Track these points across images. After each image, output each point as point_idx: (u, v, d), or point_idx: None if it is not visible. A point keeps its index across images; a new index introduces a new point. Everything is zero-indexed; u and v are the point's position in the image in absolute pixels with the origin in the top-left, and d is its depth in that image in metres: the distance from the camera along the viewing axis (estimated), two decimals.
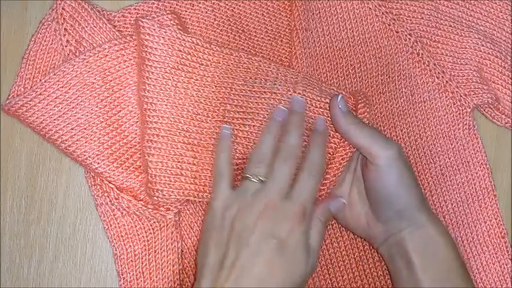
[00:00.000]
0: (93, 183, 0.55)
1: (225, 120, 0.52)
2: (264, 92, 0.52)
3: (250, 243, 0.46)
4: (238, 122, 0.52)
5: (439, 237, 0.49)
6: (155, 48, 0.51)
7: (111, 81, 0.53)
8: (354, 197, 0.53)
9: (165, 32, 0.51)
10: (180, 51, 0.51)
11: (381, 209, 0.51)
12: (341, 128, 0.51)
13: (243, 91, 0.52)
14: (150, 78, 0.51)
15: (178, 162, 0.51)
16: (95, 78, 0.53)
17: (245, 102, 0.52)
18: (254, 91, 0.52)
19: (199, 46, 0.52)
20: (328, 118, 0.52)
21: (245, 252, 0.46)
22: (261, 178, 0.48)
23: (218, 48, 0.52)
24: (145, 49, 0.51)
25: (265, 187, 0.48)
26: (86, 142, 0.52)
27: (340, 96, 0.51)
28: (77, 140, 0.53)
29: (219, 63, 0.52)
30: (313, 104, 0.52)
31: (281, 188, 0.48)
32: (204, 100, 0.52)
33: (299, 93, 0.52)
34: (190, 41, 0.52)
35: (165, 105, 0.51)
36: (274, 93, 0.52)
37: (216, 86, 0.52)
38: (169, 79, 0.51)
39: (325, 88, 0.53)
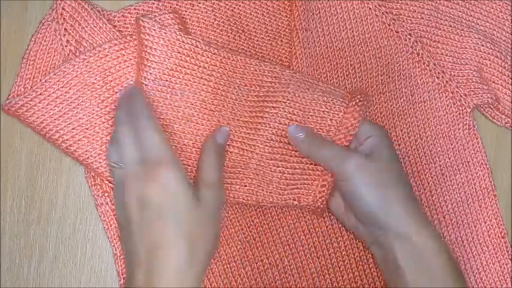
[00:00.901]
0: (93, 183, 0.55)
1: (219, 124, 0.52)
2: (258, 101, 0.52)
3: None
4: (233, 127, 0.52)
5: (427, 244, 0.48)
6: (154, 49, 0.51)
7: (111, 81, 0.53)
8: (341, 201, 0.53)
9: (165, 33, 0.51)
10: (179, 53, 0.51)
11: (359, 218, 0.51)
12: (304, 155, 0.52)
13: (238, 99, 0.53)
14: (148, 78, 0.51)
15: None
16: (95, 78, 0.53)
17: (239, 109, 0.52)
18: (248, 100, 0.53)
19: (199, 49, 0.52)
20: (328, 122, 0.52)
21: None
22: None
23: (216, 51, 0.52)
24: (145, 49, 0.51)
25: None
26: (87, 142, 0.52)
27: (293, 127, 0.52)
28: (78, 140, 0.53)
29: (216, 66, 0.52)
30: (310, 109, 0.52)
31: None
32: (200, 103, 0.52)
33: (293, 101, 0.52)
34: (190, 43, 0.51)
35: (161, 106, 0.51)
36: (269, 101, 0.52)
37: (212, 90, 0.52)
38: (167, 80, 0.51)
39: (325, 88, 0.53)
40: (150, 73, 0.51)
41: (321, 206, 0.52)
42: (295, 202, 0.52)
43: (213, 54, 0.52)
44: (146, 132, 0.47)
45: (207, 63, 0.52)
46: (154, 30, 0.51)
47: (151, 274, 0.45)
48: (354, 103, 0.51)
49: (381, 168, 0.50)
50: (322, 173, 0.51)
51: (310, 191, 0.52)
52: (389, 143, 0.52)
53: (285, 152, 0.52)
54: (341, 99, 0.52)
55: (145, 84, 0.51)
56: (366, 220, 0.51)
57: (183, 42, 0.51)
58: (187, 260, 0.46)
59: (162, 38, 0.51)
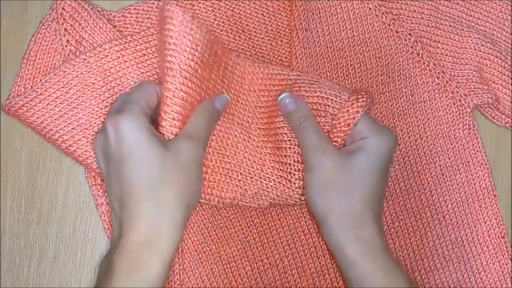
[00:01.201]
0: (93, 183, 0.55)
1: (229, 129, 0.52)
2: (267, 106, 0.53)
3: None
4: (243, 132, 0.52)
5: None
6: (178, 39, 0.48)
7: (111, 81, 0.53)
8: None
9: (191, 25, 0.48)
10: (203, 48, 0.49)
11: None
12: (290, 126, 0.52)
13: (248, 104, 0.53)
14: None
15: None
16: (95, 79, 0.53)
17: (249, 115, 0.53)
18: (258, 106, 0.54)
19: (217, 49, 0.51)
20: (328, 116, 0.51)
21: None
22: None
23: (229, 56, 0.52)
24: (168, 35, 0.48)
25: None
26: (86, 142, 0.52)
27: (285, 95, 0.52)
28: (78, 140, 0.53)
29: (228, 70, 0.52)
30: (313, 103, 0.52)
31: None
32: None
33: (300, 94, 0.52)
34: (211, 40, 0.50)
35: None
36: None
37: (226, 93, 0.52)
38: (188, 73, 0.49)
39: (330, 85, 0.53)
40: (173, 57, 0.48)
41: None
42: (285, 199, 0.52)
43: (227, 58, 0.52)
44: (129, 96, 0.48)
45: (222, 66, 0.52)
46: (181, 19, 0.48)
47: (124, 228, 0.44)
48: (352, 100, 0.50)
49: (346, 175, 0.48)
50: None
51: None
52: (383, 154, 0.49)
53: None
54: (343, 95, 0.51)
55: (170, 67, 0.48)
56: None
57: (207, 38, 0.49)
58: (157, 212, 0.44)
59: (188, 29, 0.48)
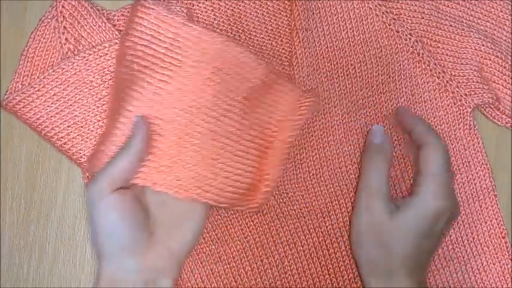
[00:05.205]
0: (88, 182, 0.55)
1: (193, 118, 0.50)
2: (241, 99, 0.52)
3: None
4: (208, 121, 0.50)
5: None
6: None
7: (109, 80, 0.53)
8: None
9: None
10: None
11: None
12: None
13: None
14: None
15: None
16: (93, 77, 0.52)
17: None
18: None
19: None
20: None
21: None
22: None
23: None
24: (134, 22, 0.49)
25: None
26: (81, 140, 0.52)
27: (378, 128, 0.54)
28: (73, 138, 0.52)
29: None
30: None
31: None
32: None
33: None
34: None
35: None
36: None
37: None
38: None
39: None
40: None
41: (258, 206, 0.52)
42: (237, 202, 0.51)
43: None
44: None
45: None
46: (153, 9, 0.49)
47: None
48: (300, 103, 0.52)
49: (390, 229, 0.50)
50: (264, 177, 0.51)
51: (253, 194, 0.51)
52: (431, 216, 0.50)
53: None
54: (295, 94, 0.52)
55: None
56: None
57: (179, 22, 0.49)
58: (116, 272, 0.47)
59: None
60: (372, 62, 0.58)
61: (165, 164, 0.49)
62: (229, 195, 0.50)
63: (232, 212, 0.55)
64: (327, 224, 0.56)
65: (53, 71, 0.52)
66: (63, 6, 0.53)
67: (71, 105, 0.52)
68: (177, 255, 0.49)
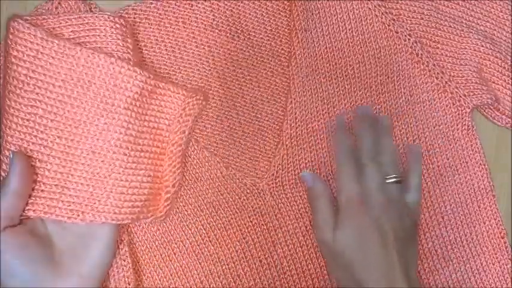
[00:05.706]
0: None
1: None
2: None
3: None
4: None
5: None
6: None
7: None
8: None
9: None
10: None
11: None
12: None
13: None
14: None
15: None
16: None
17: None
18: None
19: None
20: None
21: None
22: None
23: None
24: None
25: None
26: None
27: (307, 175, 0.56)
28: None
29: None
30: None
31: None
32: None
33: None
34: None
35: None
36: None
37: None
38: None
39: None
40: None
41: (163, 215, 0.51)
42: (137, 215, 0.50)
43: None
44: None
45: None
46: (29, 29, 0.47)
47: None
48: (187, 102, 0.52)
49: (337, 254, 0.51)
50: (165, 186, 0.51)
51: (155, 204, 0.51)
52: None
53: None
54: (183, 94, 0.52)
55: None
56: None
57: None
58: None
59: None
60: (370, 62, 0.58)
61: (53, 191, 0.48)
62: (128, 210, 0.48)
63: (231, 212, 0.55)
64: None
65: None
66: (59, 3, 0.53)
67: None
68: (89, 279, 0.47)
